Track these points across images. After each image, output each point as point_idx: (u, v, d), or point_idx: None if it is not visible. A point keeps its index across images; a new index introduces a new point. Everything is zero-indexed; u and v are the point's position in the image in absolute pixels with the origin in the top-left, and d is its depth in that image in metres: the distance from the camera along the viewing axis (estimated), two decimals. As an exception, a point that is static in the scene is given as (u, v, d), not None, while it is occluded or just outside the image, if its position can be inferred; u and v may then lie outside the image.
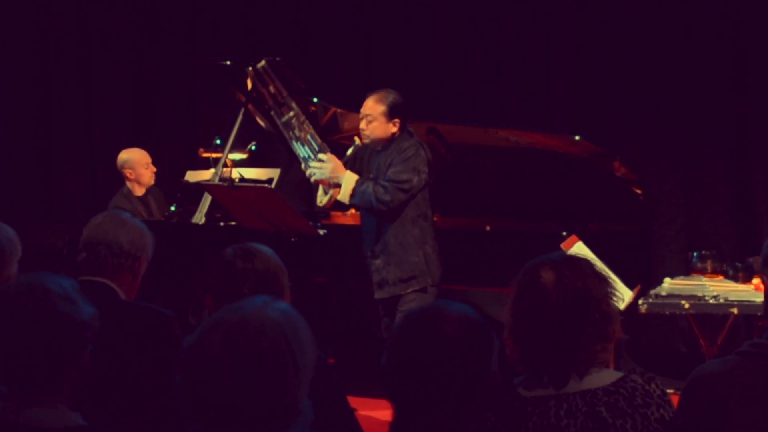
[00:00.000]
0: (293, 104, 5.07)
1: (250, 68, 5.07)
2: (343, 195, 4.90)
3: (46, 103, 7.58)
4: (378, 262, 4.90)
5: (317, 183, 5.04)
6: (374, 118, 4.84)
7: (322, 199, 5.05)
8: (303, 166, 5.07)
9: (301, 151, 5.08)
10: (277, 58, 5.34)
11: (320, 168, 4.95)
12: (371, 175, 4.93)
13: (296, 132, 5.05)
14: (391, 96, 4.85)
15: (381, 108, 4.83)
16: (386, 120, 4.83)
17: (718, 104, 6.44)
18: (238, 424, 1.68)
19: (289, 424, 1.71)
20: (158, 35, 7.56)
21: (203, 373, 1.68)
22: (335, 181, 4.94)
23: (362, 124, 4.89)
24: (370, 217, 4.95)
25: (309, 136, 5.06)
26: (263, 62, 5.05)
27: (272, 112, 5.09)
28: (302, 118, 5.07)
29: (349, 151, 5.03)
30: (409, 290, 4.84)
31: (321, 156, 4.98)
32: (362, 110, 4.88)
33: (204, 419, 1.69)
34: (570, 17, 6.68)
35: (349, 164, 5.05)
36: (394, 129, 4.85)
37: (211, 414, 1.68)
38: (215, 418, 1.68)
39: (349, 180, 4.89)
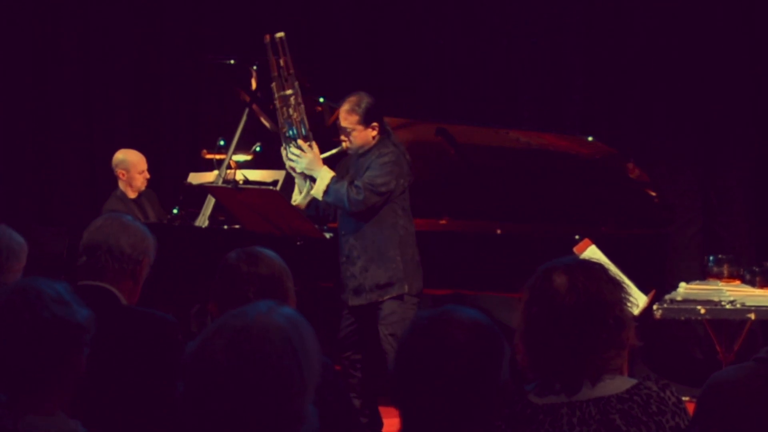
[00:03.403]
0: (296, 84, 5.03)
1: (267, 36, 5.03)
2: (317, 190, 4.87)
3: (45, 105, 7.55)
4: (354, 268, 4.86)
5: (291, 170, 4.99)
6: (352, 129, 4.82)
7: (296, 197, 5.01)
8: (282, 147, 5.02)
9: (289, 130, 5.01)
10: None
11: (298, 156, 4.92)
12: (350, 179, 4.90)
13: (290, 111, 5.01)
14: (363, 101, 4.82)
15: (354, 118, 4.81)
16: (363, 128, 4.82)
17: (734, 105, 6.40)
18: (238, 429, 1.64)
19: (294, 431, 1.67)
20: (160, 33, 7.53)
21: (206, 380, 1.64)
22: (310, 173, 4.91)
23: (343, 137, 4.87)
24: (347, 222, 4.90)
25: (300, 119, 5.00)
26: (282, 33, 5.02)
27: (273, 84, 5.04)
28: (299, 99, 5.02)
29: (335, 150, 4.97)
30: (386, 297, 4.78)
31: (301, 144, 4.93)
32: (339, 123, 4.87)
33: (207, 427, 1.64)
34: (583, 16, 6.66)
35: (339, 169, 5.00)
36: (374, 132, 4.84)
37: (214, 421, 1.63)
38: (218, 426, 1.64)
39: (324, 176, 4.86)
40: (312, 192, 4.91)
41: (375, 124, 4.83)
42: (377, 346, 4.82)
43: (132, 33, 7.50)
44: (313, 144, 4.97)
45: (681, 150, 6.49)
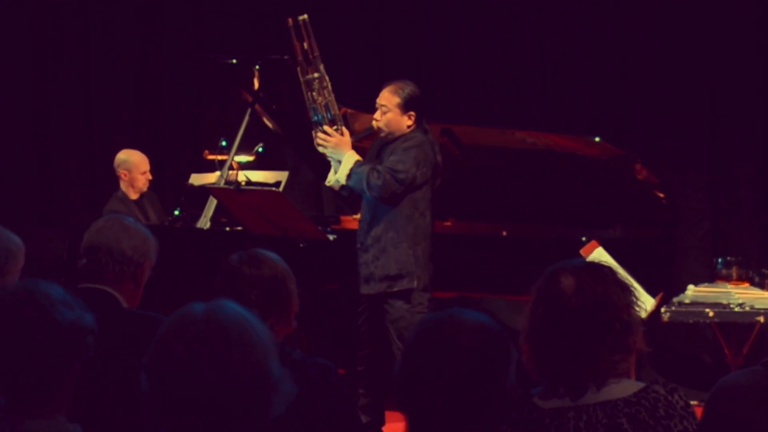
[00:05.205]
0: (321, 67, 5.00)
1: (290, 20, 5.02)
2: (341, 174, 4.86)
3: (45, 105, 7.54)
4: (367, 255, 4.85)
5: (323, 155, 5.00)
6: (388, 110, 4.82)
7: (330, 178, 4.98)
8: (313, 132, 5.00)
9: (314, 115, 4.99)
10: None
11: (324, 140, 4.90)
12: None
13: (314, 95, 4.98)
14: (408, 88, 4.83)
15: (396, 100, 4.80)
16: (401, 112, 4.81)
17: (743, 106, 6.37)
18: (218, 415, 1.67)
19: (271, 401, 1.70)
20: (161, 33, 7.51)
21: (170, 371, 1.68)
22: (336, 157, 4.90)
23: (377, 115, 4.86)
24: (365, 209, 4.90)
25: (326, 104, 4.97)
26: (305, 16, 5.00)
27: (298, 68, 5.02)
28: (325, 83, 4.99)
29: (364, 133, 4.97)
30: (395, 289, 4.76)
31: (326, 128, 4.91)
32: (378, 100, 4.86)
33: (183, 421, 1.66)
34: (591, 16, 6.63)
35: (370, 152, 4.98)
36: (410, 122, 4.83)
37: (190, 411, 1.67)
38: (194, 416, 1.67)
39: (348, 159, 4.85)
40: (337, 175, 4.90)
41: (412, 113, 4.81)
42: (385, 344, 4.78)
43: (132, 33, 7.48)
44: (342, 128, 4.94)
45: (689, 151, 6.46)
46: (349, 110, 5.61)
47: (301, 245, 5.14)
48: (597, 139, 5.35)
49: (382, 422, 4.98)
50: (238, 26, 7.29)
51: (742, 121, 6.38)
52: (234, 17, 7.32)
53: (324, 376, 2.68)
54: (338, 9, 7.17)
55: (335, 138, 4.88)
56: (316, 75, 4.96)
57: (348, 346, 6.00)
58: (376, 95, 4.89)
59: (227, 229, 5.83)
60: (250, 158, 6.20)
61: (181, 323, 1.72)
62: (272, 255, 2.78)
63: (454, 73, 6.97)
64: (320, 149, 4.94)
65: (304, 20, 4.97)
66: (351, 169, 4.82)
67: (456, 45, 6.98)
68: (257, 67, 5.56)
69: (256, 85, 5.62)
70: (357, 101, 5.59)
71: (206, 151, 6.39)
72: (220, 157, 6.14)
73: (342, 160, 4.86)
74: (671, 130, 6.48)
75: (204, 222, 5.91)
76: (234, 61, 5.82)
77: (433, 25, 7.04)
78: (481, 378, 1.86)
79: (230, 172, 5.71)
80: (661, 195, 5.48)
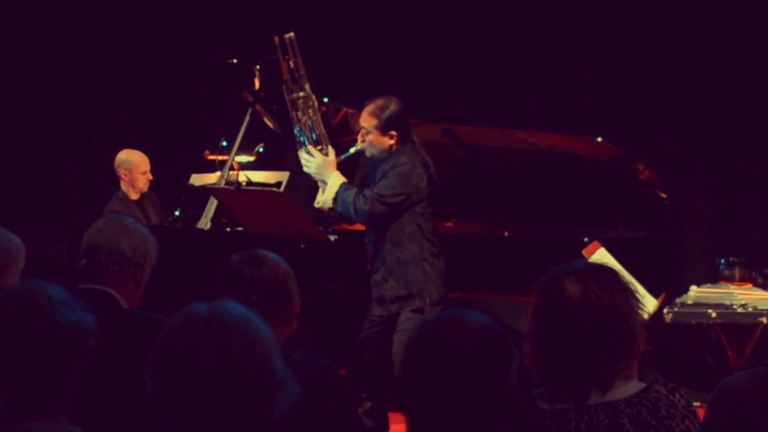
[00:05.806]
0: (307, 86, 4.95)
1: (277, 38, 4.98)
2: (326, 198, 4.81)
3: (45, 105, 7.52)
4: (377, 276, 4.80)
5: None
6: (368, 131, 4.74)
7: (319, 198, 4.93)
8: (299, 151, 4.97)
9: (299, 135, 4.96)
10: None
11: (308, 161, 4.86)
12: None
13: (299, 114, 4.93)
14: (388, 108, 4.72)
15: (374, 122, 4.72)
16: (380, 133, 4.72)
17: (746, 105, 6.36)
18: (222, 415, 1.68)
19: (275, 401, 1.72)
20: (161, 33, 7.50)
21: (174, 372, 1.70)
22: (320, 178, 4.85)
23: (359, 137, 4.80)
24: (369, 229, 4.86)
25: (310, 123, 4.93)
26: (292, 34, 4.95)
27: (284, 87, 4.98)
28: (310, 102, 4.94)
29: (353, 150, 4.91)
30: (407, 309, 4.72)
31: (311, 149, 4.87)
32: (359, 121, 4.80)
33: (187, 421, 1.67)
34: (592, 16, 6.62)
35: (359, 171, 4.95)
36: (391, 141, 4.74)
37: (194, 411, 1.68)
38: (198, 416, 1.69)
39: (333, 183, 4.79)
40: (321, 199, 4.85)
41: (393, 132, 4.72)
42: (387, 347, 4.77)
43: (132, 33, 7.46)
44: (328, 147, 4.89)
45: (691, 151, 6.44)
46: (350, 110, 5.60)
47: (301, 246, 5.12)
48: (599, 139, 5.34)
49: (387, 426, 4.95)
50: (238, 26, 7.27)
51: (743, 121, 6.37)
52: (234, 17, 7.31)
53: (325, 377, 2.68)
54: (338, 9, 7.16)
55: (318, 159, 4.83)
56: (301, 94, 4.91)
57: (349, 346, 6.00)
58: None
59: (228, 229, 5.82)
60: (251, 158, 6.19)
61: (184, 323, 1.73)
62: (273, 255, 2.77)
63: (455, 73, 6.95)
64: (305, 170, 4.90)
65: (290, 38, 4.91)
66: (336, 193, 4.76)
67: (456, 45, 6.97)
68: (258, 67, 5.54)
69: (257, 85, 5.61)
70: (357, 101, 5.57)
71: (207, 151, 6.38)
72: (220, 158, 6.13)
73: (327, 181, 4.81)
74: (673, 131, 6.46)
75: (204, 222, 5.89)
76: (234, 61, 5.81)
77: (434, 25, 7.02)
78: (482, 378, 1.85)
79: (231, 172, 5.71)
80: (664, 195, 5.48)
